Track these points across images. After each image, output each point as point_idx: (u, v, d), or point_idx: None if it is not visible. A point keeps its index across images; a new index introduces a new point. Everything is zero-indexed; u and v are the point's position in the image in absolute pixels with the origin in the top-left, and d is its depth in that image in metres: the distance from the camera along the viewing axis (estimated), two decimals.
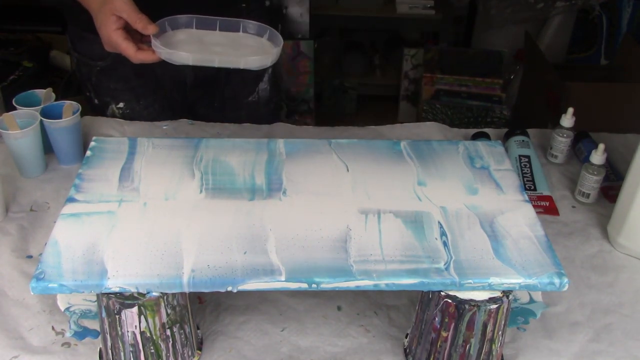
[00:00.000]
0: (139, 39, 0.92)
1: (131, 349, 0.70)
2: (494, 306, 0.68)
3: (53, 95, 1.10)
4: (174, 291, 0.68)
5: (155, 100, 1.22)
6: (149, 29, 0.88)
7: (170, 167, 0.84)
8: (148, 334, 0.69)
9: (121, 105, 1.20)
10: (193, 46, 0.91)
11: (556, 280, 0.70)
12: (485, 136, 1.17)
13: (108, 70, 1.17)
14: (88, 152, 0.86)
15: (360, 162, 0.87)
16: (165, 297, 0.68)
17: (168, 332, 0.70)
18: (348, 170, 0.85)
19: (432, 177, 0.85)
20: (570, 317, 0.84)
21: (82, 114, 1.10)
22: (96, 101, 1.22)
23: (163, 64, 1.16)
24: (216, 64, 0.87)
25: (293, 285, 0.68)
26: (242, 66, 0.88)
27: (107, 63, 1.15)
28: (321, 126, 1.23)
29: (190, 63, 0.87)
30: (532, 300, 0.77)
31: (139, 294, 0.67)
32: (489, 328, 0.69)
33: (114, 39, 0.89)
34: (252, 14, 1.19)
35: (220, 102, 1.27)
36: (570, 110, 1.12)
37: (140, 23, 0.88)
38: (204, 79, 1.22)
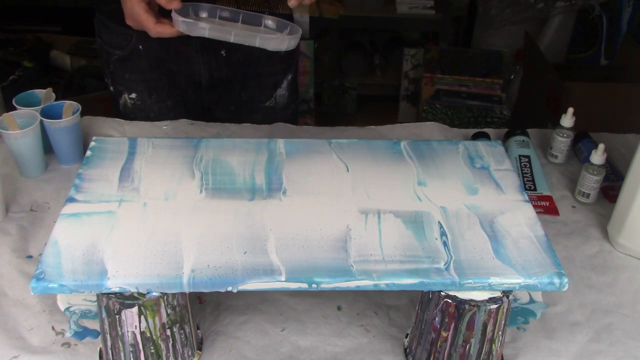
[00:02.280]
0: (161, 17, 0.93)
1: (131, 349, 0.70)
2: (494, 306, 0.68)
3: (53, 95, 1.10)
4: (174, 291, 0.68)
5: (168, 97, 1.23)
6: (173, 3, 0.89)
7: (170, 167, 0.84)
8: (148, 334, 0.69)
9: (133, 95, 1.21)
10: (213, 25, 0.92)
11: (556, 280, 0.70)
12: (485, 136, 1.17)
13: (125, 60, 1.18)
14: (88, 152, 0.86)
15: (360, 162, 0.87)
16: (165, 297, 0.68)
17: (168, 332, 0.70)
18: (348, 170, 0.85)
19: (432, 177, 0.85)
20: (570, 317, 0.84)
21: (102, 104, 1.10)
22: (111, 88, 1.24)
23: (178, 60, 1.17)
24: (232, 39, 0.87)
25: (293, 285, 0.68)
26: (257, 44, 0.88)
27: (124, 53, 1.17)
28: (321, 126, 1.23)
29: (207, 35, 0.87)
30: (532, 300, 0.77)
31: (139, 294, 0.67)
32: (489, 328, 0.69)
33: (136, 10, 0.90)
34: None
35: (236, 106, 1.27)
36: (570, 110, 1.12)
37: None
38: (219, 81, 1.22)
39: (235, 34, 0.87)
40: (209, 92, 1.24)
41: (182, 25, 0.87)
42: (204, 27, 0.86)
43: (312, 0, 0.90)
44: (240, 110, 1.27)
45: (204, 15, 0.94)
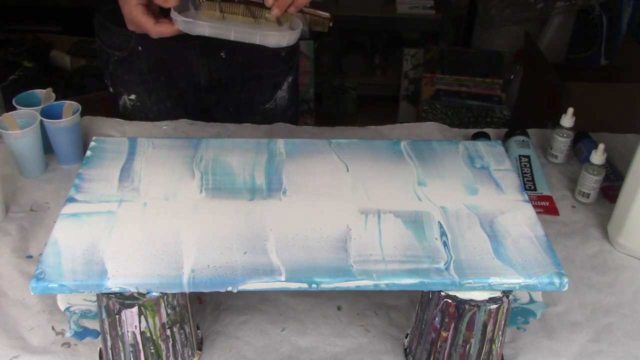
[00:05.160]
0: (162, 16, 0.93)
1: (131, 349, 0.70)
2: (494, 306, 0.68)
3: (53, 95, 1.10)
4: (174, 291, 0.68)
5: (167, 98, 1.22)
6: (170, 2, 0.89)
7: (170, 167, 0.84)
8: (148, 334, 0.69)
9: (133, 97, 1.21)
10: (213, 23, 0.91)
11: (556, 280, 0.70)
12: (485, 136, 1.17)
13: (124, 62, 1.18)
14: (88, 152, 0.86)
15: (360, 162, 0.87)
16: (165, 297, 0.68)
17: (168, 332, 0.70)
18: (348, 170, 0.85)
19: (432, 177, 0.85)
20: (570, 317, 0.84)
21: (102, 104, 1.10)
22: (111, 89, 1.24)
23: (177, 61, 1.17)
24: (232, 37, 0.87)
25: (293, 285, 0.68)
26: (257, 41, 0.87)
27: (124, 54, 1.17)
28: (321, 126, 1.23)
29: (207, 34, 0.87)
30: (532, 300, 0.77)
31: (139, 294, 0.67)
32: (489, 328, 0.69)
33: (135, 14, 0.91)
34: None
35: (235, 108, 1.27)
36: (570, 110, 1.12)
37: None
38: (218, 82, 1.22)
39: (235, 31, 0.87)
40: (209, 93, 1.23)
41: (181, 24, 0.88)
42: (204, 26, 0.86)
43: (298, 7, 0.90)
44: (240, 112, 1.27)
45: None
